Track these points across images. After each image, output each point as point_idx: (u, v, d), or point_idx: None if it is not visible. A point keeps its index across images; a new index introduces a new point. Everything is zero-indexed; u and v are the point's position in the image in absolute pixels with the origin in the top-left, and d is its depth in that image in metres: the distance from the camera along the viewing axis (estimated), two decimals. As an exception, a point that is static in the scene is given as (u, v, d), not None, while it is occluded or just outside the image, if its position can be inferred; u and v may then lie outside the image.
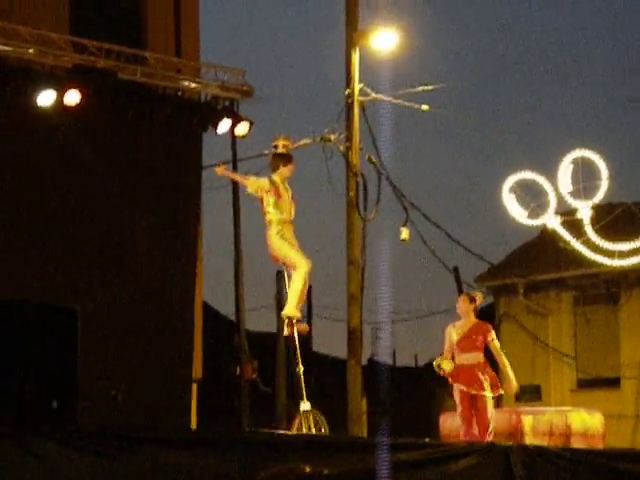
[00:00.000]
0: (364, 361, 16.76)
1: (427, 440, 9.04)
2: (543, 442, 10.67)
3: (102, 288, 12.56)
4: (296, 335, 9.50)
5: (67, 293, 11.70)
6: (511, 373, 10.07)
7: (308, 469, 1.61)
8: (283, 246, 9.28)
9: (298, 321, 9.66)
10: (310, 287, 27.54)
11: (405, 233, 14.94)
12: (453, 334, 9.98)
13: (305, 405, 9.28)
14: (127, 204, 13.14)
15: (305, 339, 26.58)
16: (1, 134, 12.05)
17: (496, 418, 10.28)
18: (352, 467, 7.53)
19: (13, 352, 6.76)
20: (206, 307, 15.97)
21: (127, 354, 12.61)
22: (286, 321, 9.52)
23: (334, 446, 7.81)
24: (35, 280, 11.81)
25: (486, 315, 23.46)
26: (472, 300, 10.14)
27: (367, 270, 14.83)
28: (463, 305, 10.05)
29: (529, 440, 10.77)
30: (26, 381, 6.74)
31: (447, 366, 9.89)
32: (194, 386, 13.82)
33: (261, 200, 9.45)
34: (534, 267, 21.56)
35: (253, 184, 9.49)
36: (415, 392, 24.44)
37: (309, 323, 25.33)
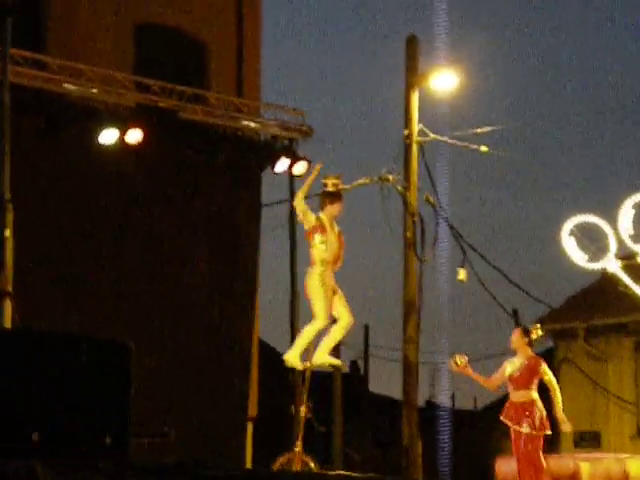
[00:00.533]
0: (421, 403, 16.64)
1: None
2: (601, 489, 10.48)
3: (158, 325, 12.64)
4: (308, 375, 9.36)
5: (121, 329, 11.79)
6: (560, 412, 9.78)
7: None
8: (319, 291, 9.06)
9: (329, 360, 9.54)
10: (367, 327, 27.33)
11: (463, 274, 14.84)
12: (507, 368, 9.78)
13: (297, 447, 9.18)
14: (186, 242, 13.25)
15: (361, 378, 26.37)
16: (64, 171, 12.23)
17: (555, 463, 10.10)
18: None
19: (67, 387, 6.81)
20: (262, 344, 15.98)
21: (182, 391, 12.65)
22: (307, 364, 9.31)
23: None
24: (90, 315, 11.92)
25: (545, 359, 23.19)
26: (526, 333, 9.83)
27: (424, 311, 14.75)
28: (515, 338, 9.78)
29: (587, 486, 10.58)
30: (79, 416, 6.78)
31: (460, 360, 9.66)
32: (249, 424, 13.81)
33: (308, 235, 9.35)
34: (594, 311, 21.28)
35: (305, 213, 9.26)
36: (473, 435, 24.19)
37: (365, 362, 25.26)
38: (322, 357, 9.24)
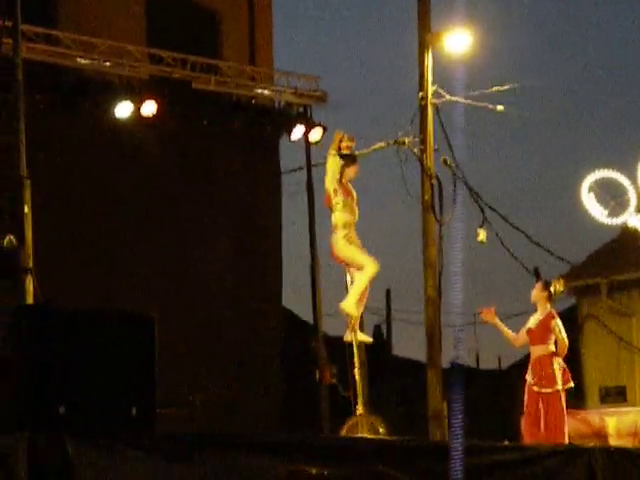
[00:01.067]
0: (445, 364, 16.68)
1: (506, 443, 8.95)
2: (627, 443, 10.48)
3: (181, 296, 12.70)
4: (355, 343, 9.43)
5: (143, 303, 11.85)
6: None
7: (314, 471, 1.59)
8: (350, 250, 9.23)
9: (361, 331, 9.63)
10: (388, 290, 27.34)
11: (482, 235, 14.82)
12: (529, 322, 9.75)
13: (359, 410, 9.25)
14: (205, 212, 13.28)
15: (384, 343, 26.47)
16: (80, 145, 12.27)
17: (581, 419, 10.11)
18: (430, 470, 7.51)
19: (92, 359, 6.87)
20: (284, 311, 16.03)
21: (207, 361, 12.72)
22: (349, 326, 9.44)
23: (411, 449, 7.79)
24: (113, 288, 11.99)
25: (569, 317, 23.19)
26: (546, 286, 9.73)
27: (445, 273, 14.74)
28: (535, 292, 9.69)
29: (613, 441, 10.60)
30: (105, 388, 6.83)
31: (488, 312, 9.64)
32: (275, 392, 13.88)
33: (328, 200, 9.40)
34: (616, 266, 21.22)
35: (331, 176, 9.29)
36: (499, 394, 24.23)
37: (388, 326, 25.32)
38: (351, 307, 9.36)
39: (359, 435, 8.97)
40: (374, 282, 9.44)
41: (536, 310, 9.75)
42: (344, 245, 9.22)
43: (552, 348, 9.55)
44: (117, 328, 7.02)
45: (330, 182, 9.30)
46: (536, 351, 9.59)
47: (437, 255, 14.82)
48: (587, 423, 11.44)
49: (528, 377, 9.68)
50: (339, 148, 9.51)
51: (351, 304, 9.32)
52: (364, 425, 9.12)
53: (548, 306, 9.66)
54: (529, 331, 9.62)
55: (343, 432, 9.08)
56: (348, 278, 9.38)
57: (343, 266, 9.46)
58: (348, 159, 9.44)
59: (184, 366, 12.18)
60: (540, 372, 9.51)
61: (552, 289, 9.69)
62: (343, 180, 9.37)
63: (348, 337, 9.43)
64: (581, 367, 21.03)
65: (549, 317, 9.60)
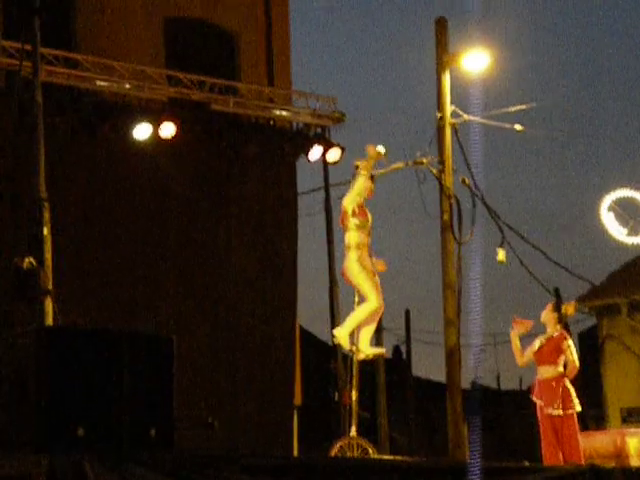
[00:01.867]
0: (465, 385, 16.61)
1: (526, 464, 8.89)
2: (649, 464, 10.40)
3: (198, 317, 12.70)
4: (355, 363, 9.41)
5: (161, 321, 11.87)
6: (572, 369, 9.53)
7: None
8: (361, 275, 9.18)
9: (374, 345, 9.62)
10: (407, 311, 27.28)
11: (502, 254, 14.78)
12: (536, 343, 9.67)
13: (352, 432, 9.22)
14: (223, 233, 13.29)
15: (404, 364, 26.37)
16: (99, 167, 12.32)
17: (600, 439, 10.02)
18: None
19: (110, 380, 6.88)
20: (303, 333, 16.02)
21: (225, 382, 12.71)
22: (354, 347, 9.40)
23: (433, 470, 7.76)
24: (132, 309, 12.01)
25: (590, 337, 23.07)
26: (556, 308, 9.67)
27: (464, 293, 14.71)
28: (545, 313, 9.64)
29: (634, 462, 10.52)
30: (124, 409, 6.84)
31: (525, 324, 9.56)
32: (294, 412, 13.85)
33: (343, 218, 9.40)
34: (636, 286, 21.13)
35: (355, 194, 9.30)
36: (520, 415, 24.11)
37: (407, 347, 25.22)
38: (365, 349, 9.31)
39: (369, 457, 8.94)
40: (394, 303, 9.43)
41: (544, 332, 9.70)
42: (356, 269, 9.17)
43: (561, 369, 9.49)
44: (136, 349, 7.03)
45: (352, 201, 9.30)
46: (544, 372, 9.52)
47: (456, 275, 14.79)
48: (608, 443, 11.34)
49: (537, 399, 9.61)
50: (356, 167, 9.53)
51: (344, 334, 9.30)
52: (354, 447, 9.08)
53: (559, 327, 9.61)
54: (537, 351, 9.55)
55: (333, 452, 9.05)
56: (356, 299, 9.37)
57: (353, 285, 9.45)
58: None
59: (203, 384, 12.18)
60: (550, 394, 9.43)
61: (564, 311, 9.65)
62: (361, 200, 9.38)
63: (360, 356, 9.39)
64: (602, 388, 20.91)
65: (561, 338, 9.54)
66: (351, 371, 9.41)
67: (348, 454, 9.01)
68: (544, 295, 18.09)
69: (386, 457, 9.78)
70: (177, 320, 12.15)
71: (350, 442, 9.11)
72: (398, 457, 9.47)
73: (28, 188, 9.30)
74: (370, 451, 9.13)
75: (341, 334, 9.34)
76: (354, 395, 9.35)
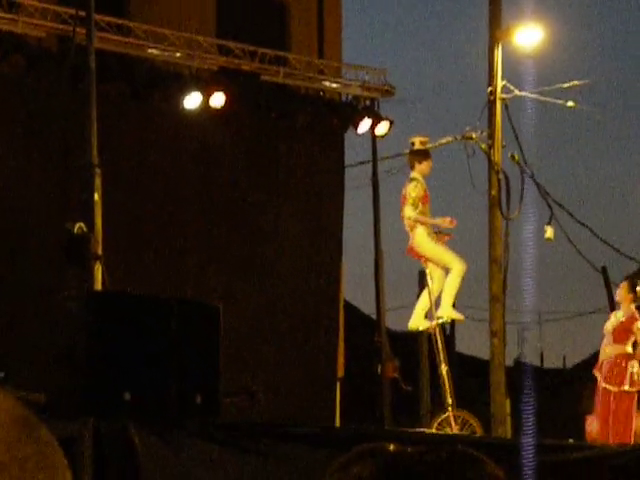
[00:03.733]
0: (509, 362, 16.55)
1: (571, 441, 8.86)
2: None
3: (245, 287, 12.75)
4: (439, 334, 9.44)
5: (208, 290, 11.92)
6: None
7: (392, 447, 1.56)
8: (435, 247, 9.28)
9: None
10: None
11: (550, 232, 14.67)
12: (609, 323, 9.62)
13: (449, 405, 9.23)
14: (271, 205, 13.31)
15: (448, 340, 26.38)
16: (149, 135, 12.36)
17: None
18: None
19: (158, 346, 6.93)
20: (347, 306, 16.03)
21: (270, 352, 12.76)
22: (435, 322, 9.44)
23: (475, 446, 7.77)
24: (180, 276, 12.08)
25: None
26: (632, 288, 9.59)
27: (510, 270, 14.63)
28: (619, 292, 9.59)
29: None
30: (171, 376, 6.89)
31: None
32: (337, 384, 13.89)
33: (405, 198, 9.47)
34: (686, 266, 20.84)
35: (411, 204, 9.48)
36: (563, 394, 23.98)
37: (452, 323, 25.18)
38: (448, 313, 9.41)
39: (424, 430, 8.97)
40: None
41: (618, 308, 9.65)
42: (429, 242, 9.26)
43: (629, 349, 9.45)
44: (183, 316, 7.08)
45: (410, 211, 9.40)
46: (612, 350, 9.47)
47: (503, 252, 14.71)
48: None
49: (597, 373, 9.56)
50: (412, 143, 9.57)
51: (450, 309, 9.40)
52: (455, 420, 9.10)
53: (632, 307, 9.55)
54: (608, 330, 9.52)
55: (433, 427, 9.08)
56: (428, 271, 9.40)
57: (423, 261, 9.48)
58: (421, 154, 9.48)
59: (248, 354, 12.24)
60: (611, 370, 9.39)
61: (638, 289, 9.59)
62: (419, 176, 9.45)
63: (438, 321, 9.41)
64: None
65: (632, 319, 9.50)
66: (436, 344, 9.42)
67: (447, 430, 9.02)
68: (591, 273, 17.94)
69: (426, 430, 9.79)
70: (224, 289, 12.20)
71: (452, 415, 9.11)
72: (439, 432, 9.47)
73: (80, 154, 9.36)
74: (474, 425, 9.12)
75: (447, 311, 9.42)
76: (444, 368, 9.38)
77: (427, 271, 9.50)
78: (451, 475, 1.31)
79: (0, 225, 11.12)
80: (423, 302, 9.50)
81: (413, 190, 9.39)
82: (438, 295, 9.44)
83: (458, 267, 9.25)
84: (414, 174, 9.55)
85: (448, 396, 9.24)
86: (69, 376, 6.93)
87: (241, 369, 11.63)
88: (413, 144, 9.64)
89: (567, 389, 23.67)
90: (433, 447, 1.35)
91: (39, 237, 10.90)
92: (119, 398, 6.70)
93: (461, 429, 9.14)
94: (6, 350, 10.17)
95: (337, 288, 13.68)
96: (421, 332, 9.76)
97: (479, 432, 9.13)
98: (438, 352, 9.49)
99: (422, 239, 9.33)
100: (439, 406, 9.35)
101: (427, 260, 9.47)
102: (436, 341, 9.51)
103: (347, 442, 6.98)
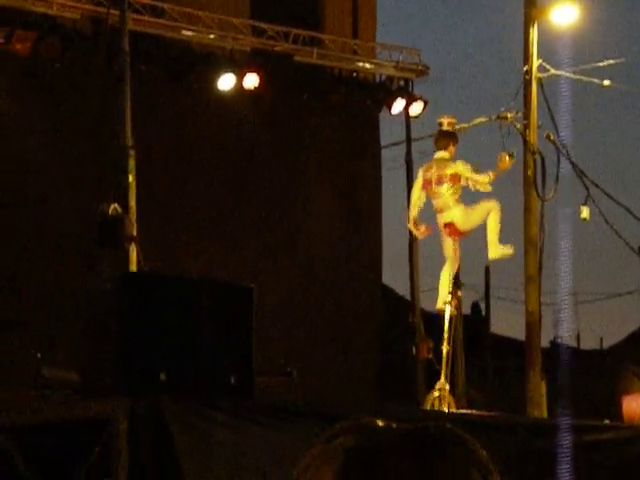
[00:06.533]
0: (545, 343, 16.46)
1: (607, 422, 8.81)
2: None
3: (280, 269, 12.77)
4: (447, 314, 9.42)
5: (243, 273, 11.95)
6: None
7: (381, 423, 1.56)
8: (474, 215, 9.49)
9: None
10: (487, 267, 27.14)
11: (586, 212, 14.56)
12: None
13: (442, 384, 9.23)
14: (305, 185, 13.31)
15: (483, 321, 26.32)
16: (184, 116, 12.39)
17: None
18: (530, 448, 7.44)
19: (192, 327, 6.95)
20: (382, 287, 16.01)
21: (305, 333, 12.79)
22: (449, 299, 9.44)
23: (511, 427, 7.74)
24: (214, 257, 12.12)
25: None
26: None
27: (546, 250, 14.54)
28: None
29: None
30: (205, 356, 6.91)
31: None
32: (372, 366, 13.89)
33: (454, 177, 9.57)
34: None
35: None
36: (600, 375, 23.86)
37: (487, 304, 25.14)
38: (496, 251, 9.48)
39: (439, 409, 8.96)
40: (474, 259, 9.50)
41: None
42: (469, 216, 9.38)
43: None
44: (217, 297, 7.10)
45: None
46: None
47: (539, 232, 14.61)
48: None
49: None
50: (440, 124, 9.59)
51: (497, 249, 9.49)
52: (446, 400, 9.12)
53: None
54: None
55: (427, 405, 9.09)
56: (445, 247, 9.48)
57: (455, 236, 9.54)
58: (454, 137, 9.51)
59: (282, 335, 12.27)
60: None
61: None
62: (449, 156, 9.48)
63: (444, 307, 9.44)
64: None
65: None
66: (442, 325, 9.43)
67: (441, 407, 9.04)
68: (628, 254, 17.80)
69: (465, 411, 9.78)
70: (259, 271, 12.22)
71: (441, 395, 9.15)
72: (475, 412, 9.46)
73: (114, 136, 9.40)
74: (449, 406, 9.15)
75: (495, 251, 9.55)
76: (445, 347, 9.38)
77: (443, 247, 9.56)
78: (434, 452, 1.32)
79: (37, 207, 11.19)
80: (445, 281, 9.51)
81: (465, 166, 9.53)
82: (456, 272, 9.49)
83: (495, 207, 9.46)
84: (446, 155, 9.53)
85: (443, 376, 9.24)
86: (104, 356, 6.97)
87: (276, 351, 11.67)
88: (441, 124, 9.60)
89: (604, 370, 23.54)
90: (420, 425, 1.36)
91: (74, 218, 10.96)
92: (154, 378, 6.73)
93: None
94: (44, 331, 10.25)
95: (375, 269, 13.67)
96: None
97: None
98: (443, 331, 9.48)
99: (464, 217, 9.46)
100: (450, 385, 9.34)
101: (460, 235, 9.52)
102: (443, 319, 9.49)
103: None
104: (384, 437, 1.34)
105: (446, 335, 9.40)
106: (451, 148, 9.50)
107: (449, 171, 9.47)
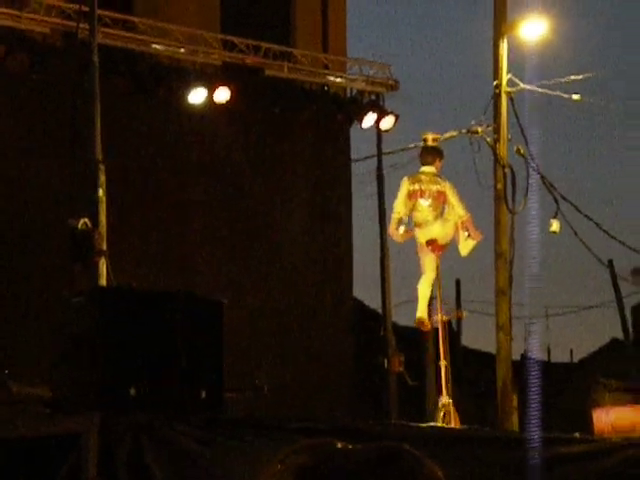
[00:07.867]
0: (516, 356, 16.52)
1: (577, 435, 8.85)
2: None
3: (251, 282, 12.75)
4: (440, 328, 9.47)
5: (214, 284, 11.93)
6: None
7: (339, 444, 1.57)
8: (447, 226, 9.61)
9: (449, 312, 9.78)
10: (458, 280, 27.29)
11: (555, 225, 14.65)
12: None
13: (444, 399, 9.25)
14: (276, 200, 13.31)
15: (454, 334, 26.46)
16: (154, 131, 12.37)
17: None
18: (499, 462, 7.46)
19: (162, 341, 6.93)
20: (354, 300, 16.02)
21: (275, 346, 12.77)
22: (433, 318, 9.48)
23: (483, 441, 7.76)
24: (184, 271, 12.09)
25: (641, 310, 22.82)
26: None
27: (516, 263, 14.60)
28: None
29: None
30: (175, 370, 6.89)
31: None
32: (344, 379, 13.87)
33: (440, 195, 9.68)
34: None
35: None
36: (571, 388, 23.96)
37: (458, 318, 25.15)
38: (465, 246, 9.56)
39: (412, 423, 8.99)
40: (444, 271, 9.56)
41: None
42: (446, 229, 9.46)
43: None
44: (187, 311, 7.08)
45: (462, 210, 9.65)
46: None
47: (509, 245, 14.68)
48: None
49: None
50: (425, 140, 9.70)
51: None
52: (451, 415, 9.13)
53: None
54: None
55: (438, 420, 9.12)
56: (423, 261, 9.54)
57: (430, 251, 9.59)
58: (440, 153, 9.63)
59: (252, 350, 12.24)
60: None
61: None
62: (436, 171, 9.58)
63: (438, 318, 9.48)
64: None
65: None
66: (437, 341, 9.47)
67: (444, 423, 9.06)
68: (598, 267, 17.91)
69: (433, 425, 9.79)
70: (230, 284, 12.21)
71: (446, 411, 9.17)
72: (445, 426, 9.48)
73: (84, 150, 9.37)
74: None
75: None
76: (443, 362, 9.41)
77: (423, 261, 9.59)
78: (388, 473, 1.33)
79: (6, 221, 11.13)
80: (424, 293, 9.54)
81: (453, 190, 9.63)
82: (433, 286, 9.53)
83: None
84: (433, 170, 9.60)
85: (444, 391, 9.26)
86: (74, 371, 6.94)
87: (248, 365, 11.64)
88: (426, 140, 9.67)
89: (574, 383, 23.64)
90: (379, 446, 1.37)
91: (45, 233, 10.91)
92: (124, 393, 6.70)
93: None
94: (12, 346, 10.19)
95: (349, 280, 13.69)
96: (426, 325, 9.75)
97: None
98: (438, 346, 9.52)
99: (443, 228, 9.54)
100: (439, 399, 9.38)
101: (442, 249, 9.58)
102: (437, 334, 9.53)
103: (349, 434, 6.97)
104: (340, 458, 1.35)
105: (442, 349, 9.43)
106: (437, 163, 9.58)
107: (436, 187, 9.50)
